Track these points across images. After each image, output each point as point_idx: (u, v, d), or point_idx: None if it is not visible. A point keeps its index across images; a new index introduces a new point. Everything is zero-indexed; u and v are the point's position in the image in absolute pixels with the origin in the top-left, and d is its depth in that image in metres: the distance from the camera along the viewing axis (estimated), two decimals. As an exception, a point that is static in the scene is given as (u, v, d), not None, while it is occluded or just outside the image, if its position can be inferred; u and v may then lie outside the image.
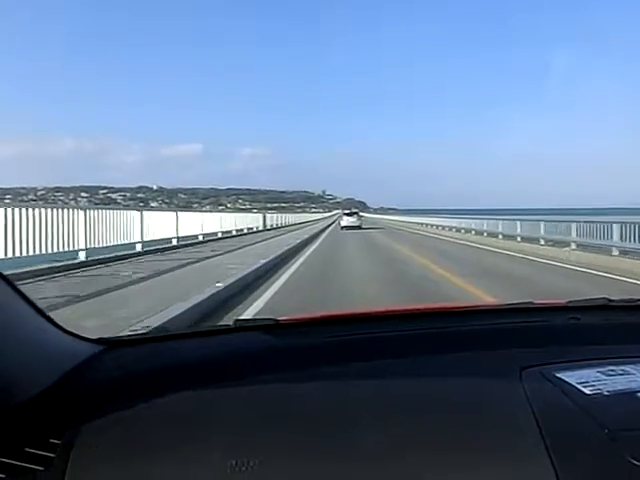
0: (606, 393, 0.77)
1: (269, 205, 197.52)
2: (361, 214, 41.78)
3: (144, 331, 1.57)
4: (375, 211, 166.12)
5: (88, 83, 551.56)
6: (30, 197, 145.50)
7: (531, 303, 1.19)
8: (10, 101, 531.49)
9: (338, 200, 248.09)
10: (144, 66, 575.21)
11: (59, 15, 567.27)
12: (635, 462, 0.65)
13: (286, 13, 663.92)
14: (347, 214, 35.20)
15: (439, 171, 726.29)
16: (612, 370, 0.84)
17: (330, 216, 74.49)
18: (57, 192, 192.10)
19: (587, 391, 0.77)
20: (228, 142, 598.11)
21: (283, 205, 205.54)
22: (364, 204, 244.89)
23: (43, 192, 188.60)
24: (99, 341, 0.96)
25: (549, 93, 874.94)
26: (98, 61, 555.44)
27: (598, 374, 0.83)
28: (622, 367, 0.85)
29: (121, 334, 3.06)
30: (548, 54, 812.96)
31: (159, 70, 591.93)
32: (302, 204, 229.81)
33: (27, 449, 0.69)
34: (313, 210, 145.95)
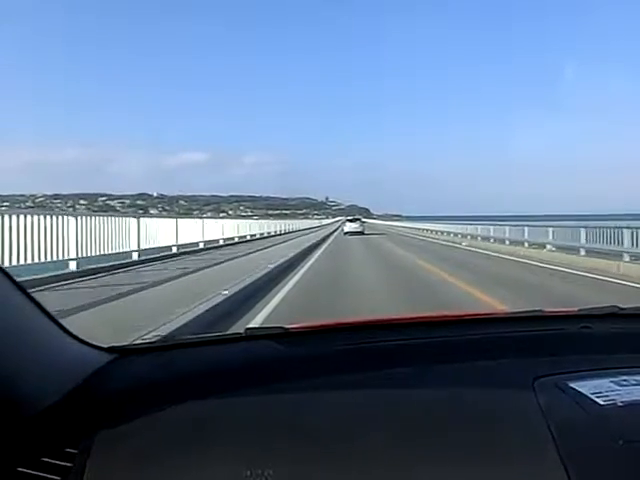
0: (620, 404, 0.76)
1: (271, 212, 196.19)
2: (364, 220, 44.07)
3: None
4: (380, 217, 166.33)
5: (91, 90, 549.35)
6: (28, 204, 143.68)
7: (541, 311, 1.18)
8: (11, 109, 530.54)
9: (341, 207, 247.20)
10: (149, 74, 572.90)
11: (58, 20, 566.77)
12: None
13: (289, 21, 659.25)
14: (350, 220, 36.75)
15: (444, 177, 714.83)
16: (625, 380, 0.84)
17: (332, 223, 73.16)
18: (55, 199, 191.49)
19: (601, 402, 0.77)
20: (231, 150, 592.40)
21: (285, 212, 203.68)
22: (368, 211, 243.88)
23: (42, 199, 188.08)
24: (111, 349, 0.96)
25: (556, 98, 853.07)
26: (102, 69, 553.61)
27: (611, 384, 0.82)
28: (635, 377, 0.85)
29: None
30: (554, 60, 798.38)
31: (163, 78, 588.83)
32: (305, 211, 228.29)
33: (44, 459, 0.70)
34: (315, 217, 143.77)
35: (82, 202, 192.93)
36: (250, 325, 4.58)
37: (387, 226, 64.45)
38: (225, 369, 0.92)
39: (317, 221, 68.66)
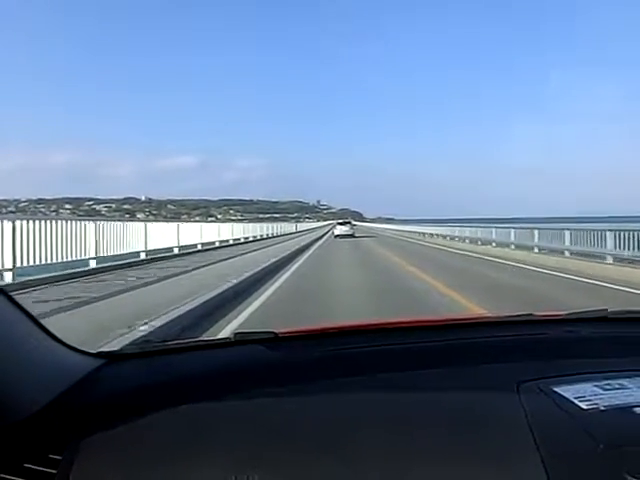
0: (602, 408, 0.77)
1: (261, 215, 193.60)
2: (354, 223, 44.01)
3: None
4: (372, 221, 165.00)
5: (78, 94, 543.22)
6: (10, 209, 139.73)
7: (530, 315, 1.19)
8: None
9: (333, 210, 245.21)
10: (137, 77, 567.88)
11: (47, 24, 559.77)
12: (630, 478, 0.65)
13: (284, 23, 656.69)
14: (341, 224, 36.91)
15: (438, 181, 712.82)
16: (609, 384, 0.84)
17: (322, 226, 70.22)
18: (39, 204, 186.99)
19: (584, 406, 0.78)
20: (223, 153, 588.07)
21: (276, 215, 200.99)
22: (360, 214, 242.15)
23: (25, 204, 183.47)
24: (99, 355, 0.96)
25: (551, 103, 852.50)
26: (89, 72, 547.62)
27: (595, 388, 0.83)
28: (619, 381, 0.85)
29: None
30: (550, 64, 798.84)
31: (152, 81, 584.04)
32: (296, 214, 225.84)
33: (27, 465, 0.70)
34: (307, 220, 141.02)
35: (67, 206, 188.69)
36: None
37: (380, 229, 64.25)
38: (214, 374, 0.91)
39: (293, 226, 55.91)
